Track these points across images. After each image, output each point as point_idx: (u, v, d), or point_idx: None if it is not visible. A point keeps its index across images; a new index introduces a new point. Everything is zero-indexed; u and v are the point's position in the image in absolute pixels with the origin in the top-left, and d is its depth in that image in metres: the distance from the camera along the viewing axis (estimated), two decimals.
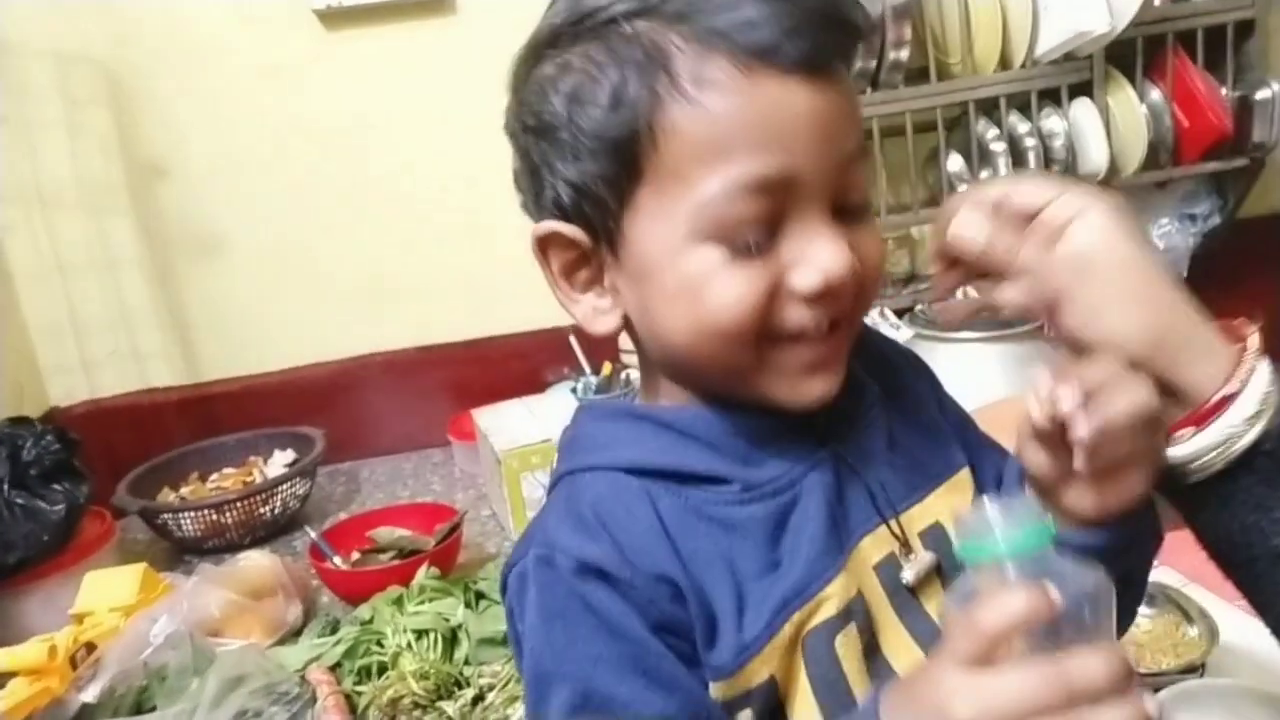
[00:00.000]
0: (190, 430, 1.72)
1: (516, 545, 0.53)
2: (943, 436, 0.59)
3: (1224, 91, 1.60)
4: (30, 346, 1.71)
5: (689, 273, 0.48)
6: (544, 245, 0.52)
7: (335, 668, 1.07)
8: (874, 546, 0.53)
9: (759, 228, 0.47)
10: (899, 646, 0.52)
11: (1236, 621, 0.89)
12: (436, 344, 1.81)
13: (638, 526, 0.50)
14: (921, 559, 0.53)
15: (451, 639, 1.06)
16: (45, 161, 1.66)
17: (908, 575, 0.53)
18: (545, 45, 0.51)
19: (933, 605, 0.53)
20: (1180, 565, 0.98)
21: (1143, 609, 0.92)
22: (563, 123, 0.49)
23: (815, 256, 0.48)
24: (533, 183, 0.53)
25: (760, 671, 0.49)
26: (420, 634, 1.06)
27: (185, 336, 1.77)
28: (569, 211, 0.51)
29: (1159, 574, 0.98)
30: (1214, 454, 0.49)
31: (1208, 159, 1.63)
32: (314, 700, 1.00)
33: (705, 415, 0.53)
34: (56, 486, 1.27)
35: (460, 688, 1.01)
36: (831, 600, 0.50)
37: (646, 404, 0.57)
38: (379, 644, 1.07)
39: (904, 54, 1.50)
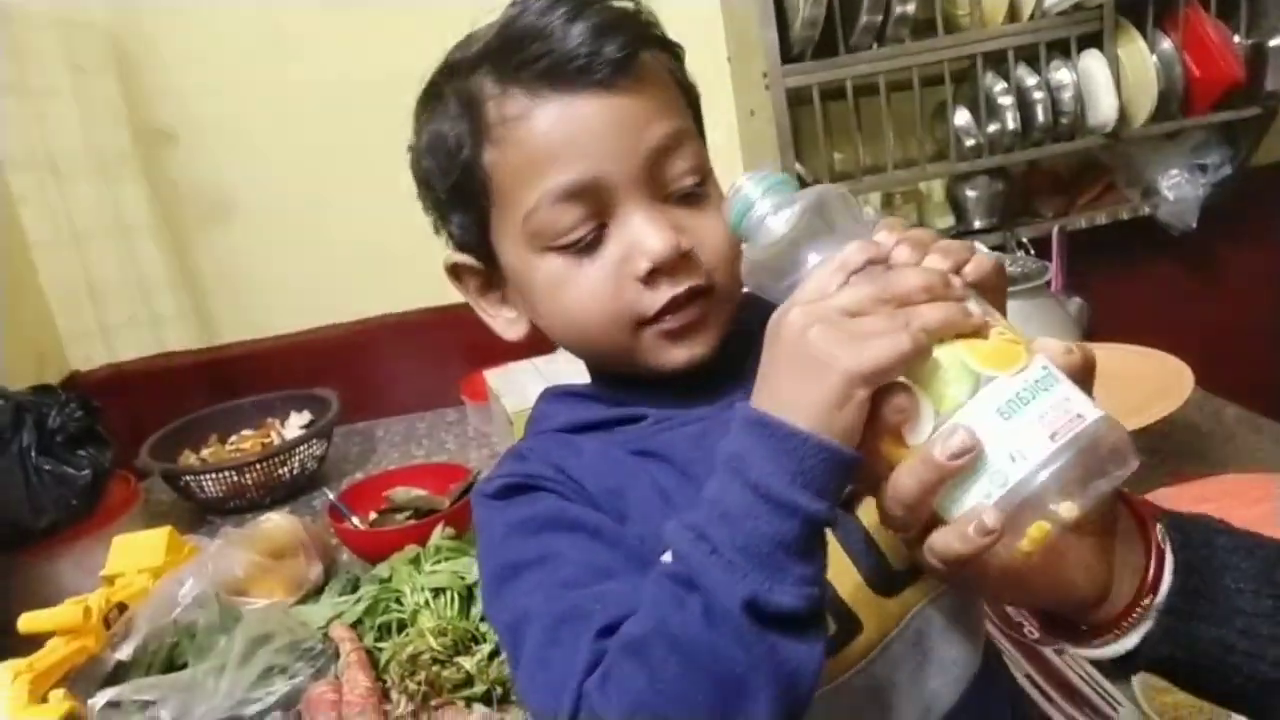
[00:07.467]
0: (208, 393, 1.74)
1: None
2: None
3: (1236, 39, 1.58)
4: (49, 313, 1.74)
5: (542, 282, 0.58)
6: (455, 273, 0.65)
7: (356, 625, 1.10)
8: None
9: (584, 229, 0.56)
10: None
11: None
12: (448, 305, 1.81)
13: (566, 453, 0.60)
14: None
15: (467, 596, 1.10)
16: (54, 130, 1.67)
17: None
18: (423, 101, 0.63)
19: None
20: None
21: None
22: (430, 178, 0.62)
23: (639, 244, 0.55)
24: (433, 221, 0.66)
25: None
26: (437, 592, 1.09)
27: (200, 301, 1.80)
28: (460, 243, 0.63)
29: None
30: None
31: (1219, 108, 1.61)
32: (337, 656, 1.04)
33: (624, 386, 0.62)
34: (81, 452, 1.30)
35: (476, 643, 1.04)
36: None
37: (583, 385, 0.67)
38: (398, 602, 1.10)
39: (910, 7, 1.48)
